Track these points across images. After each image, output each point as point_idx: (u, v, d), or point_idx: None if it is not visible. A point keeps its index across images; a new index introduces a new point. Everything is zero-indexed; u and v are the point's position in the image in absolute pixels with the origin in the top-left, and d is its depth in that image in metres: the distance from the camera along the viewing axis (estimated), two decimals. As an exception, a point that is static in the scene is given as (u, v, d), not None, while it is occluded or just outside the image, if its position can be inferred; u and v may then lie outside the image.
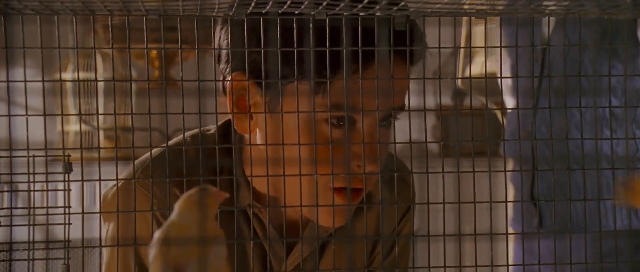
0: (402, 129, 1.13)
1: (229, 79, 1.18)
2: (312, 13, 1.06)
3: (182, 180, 1.10)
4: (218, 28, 1.20)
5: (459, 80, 2.63)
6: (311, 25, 1.07)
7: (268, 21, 1.07)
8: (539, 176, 1.78)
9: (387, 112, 1.15)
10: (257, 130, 1.20)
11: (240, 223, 1.21)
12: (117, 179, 1.17)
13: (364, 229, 1.23)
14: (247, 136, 1.21)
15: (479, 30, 2.69)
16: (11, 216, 1.10)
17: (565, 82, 1.19)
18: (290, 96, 1.15)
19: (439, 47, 1.11)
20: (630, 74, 1.54)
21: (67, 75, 3.02)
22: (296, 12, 1.06)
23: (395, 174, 1.15)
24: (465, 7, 1.08)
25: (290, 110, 1.13)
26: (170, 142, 1.25)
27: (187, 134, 1.24)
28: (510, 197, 2.00)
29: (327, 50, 1.08)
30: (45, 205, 1.09)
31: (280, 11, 1.05)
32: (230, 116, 1.22)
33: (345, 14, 1.07)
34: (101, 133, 3.06)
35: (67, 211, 1.08)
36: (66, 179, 1.09)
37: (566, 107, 1.15)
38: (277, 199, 1.20)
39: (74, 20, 1.05)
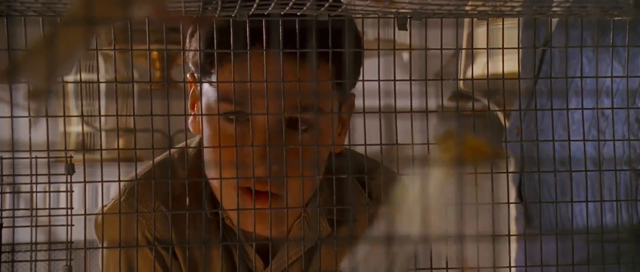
0: (405, 131, 1.13)
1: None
2: (315, 14, 1.06)
3: (168, 198, 1.10)
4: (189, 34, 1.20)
5: (461, 82, 2.63)
6: (314, 26, 1.07)
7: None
8: (526, 176, 1.78)
9: (281, 114, 1.11)
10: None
11: (211, 232, 1.20)
12: (119, 180, 1.17)
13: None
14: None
15: (480, 32, 2.69)
16: (13, 217, 1.10)
17: (550, 84, 1.19)
18: (204, 96, 1.16)
19: (441, 49, 1.11)
20: (629, 74, 1.54)
21: (69, 76, 3.02)
22: (299, 13, 1.06)
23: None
24: (467, 8, 1.08)
25: (202, 110, 1.15)
26: (157, 159, 1.23)
27: (173, 150, 1.23)
28: (513, 197, 1.99)
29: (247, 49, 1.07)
30: (47, 206, 1.09)
31: (282, 12, 1.05)
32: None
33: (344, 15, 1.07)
34: (104, 134, 3.05)
35: (69, 213, 1.08)
36: (68, 180, 1.09)
37: (552, 109, 1.16)
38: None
39: (77, 21, 1.05)
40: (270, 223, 1.12)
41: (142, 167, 1.22)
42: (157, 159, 1.22)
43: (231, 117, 1.13)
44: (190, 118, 1.21)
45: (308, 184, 1.14)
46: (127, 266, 1.19)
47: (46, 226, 1.09)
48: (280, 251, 1.23)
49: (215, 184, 1.17)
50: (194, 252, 1.19)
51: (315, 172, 1.15)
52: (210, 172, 1.16)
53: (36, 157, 1.08)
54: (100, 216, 1.22)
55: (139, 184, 1.17)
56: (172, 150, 1.21)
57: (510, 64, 1.17)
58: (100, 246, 1.23)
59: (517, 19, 1.18)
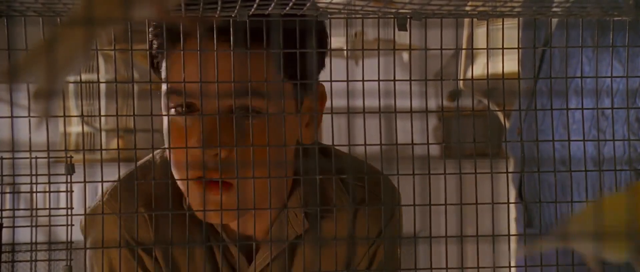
0: (405, 131, 1.13)
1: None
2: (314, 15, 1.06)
3: (150, 201, 1.11)
4: None
5: (461, 82, 2.63)
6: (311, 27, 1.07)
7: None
8: (526, 176, 1.78)
9: (231, 102, 1.10)
10: None
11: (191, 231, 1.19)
12: (118, 180, 1.17)
13: (331, 236, 1.22)
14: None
15: (480, 32, 2.69)
16: (14, 217, 1.10)
17: (550, 84, 1.20)
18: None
19: (441, 49, 1.11)
20: (629, 74, 1.54)
21: (69, 76, 3.02)
22: (298, 14, 1.06)
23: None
24: (467, 8, 1.08)
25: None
26: (140, 162, 1.22)
27: (157, 151, 1.22)
28: (513, 197, 1.99)
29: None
30: (47, 206, 1.09)
31: (282, 12, 1.05)
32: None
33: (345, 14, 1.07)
34: (104, 134, 3.06)
35: (69, 213, 1.08)
36: (68, 180, 1.09)
37: (552, 109, 1.16)
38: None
39: (76, 21, 1.05)
40: (221, 213, 1.12)
41: (124, 170, 1.21)
42: (140, 162, 1.22)
43: (180, 109, 1.14)
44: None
45: (271, 173, 1.11)
46: (109, 268, 1.19)
47: (46, 226, 1.09)
48: (261, 248, 1.22)
49: (179, 182, 1.17)
50: (176, 254, 1.18)
51: (284, 161, 1.13)
52: (173, 170, 1.16)
53: (36, 158, 1.08)
54: (84, 217, 1.22)
55: (121, 187, 1.17)
56: (156, 151, 1.21)
57: (510, 64, 1.17)
58: (90, 246, 1.22)
59: (517, 19, 1.18)
